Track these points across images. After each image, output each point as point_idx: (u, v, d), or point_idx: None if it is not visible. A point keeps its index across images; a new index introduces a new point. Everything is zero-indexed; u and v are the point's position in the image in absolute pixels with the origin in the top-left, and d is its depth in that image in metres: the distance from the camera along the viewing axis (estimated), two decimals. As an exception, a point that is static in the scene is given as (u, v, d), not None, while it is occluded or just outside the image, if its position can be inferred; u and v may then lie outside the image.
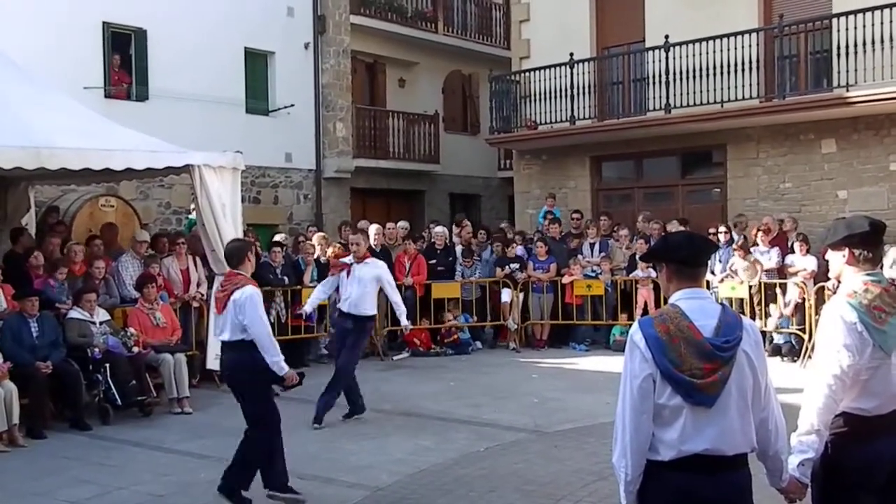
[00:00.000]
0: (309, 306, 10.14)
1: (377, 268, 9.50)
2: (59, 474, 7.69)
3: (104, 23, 15.73)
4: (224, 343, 6.76)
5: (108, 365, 9.64)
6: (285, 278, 13.30)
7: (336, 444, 8.55)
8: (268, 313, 12.58)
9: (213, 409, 10.29)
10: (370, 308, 9.48)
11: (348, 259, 9.60)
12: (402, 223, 15.95)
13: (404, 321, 9.94)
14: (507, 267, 15.00)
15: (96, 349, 9.68)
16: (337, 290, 9.91)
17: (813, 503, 3.80)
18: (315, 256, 14.03)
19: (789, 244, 13.66)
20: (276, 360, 6.56)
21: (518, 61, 19.59)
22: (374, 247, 14.11)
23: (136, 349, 10.00)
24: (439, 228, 15.89)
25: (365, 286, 9.33)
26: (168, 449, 8.56)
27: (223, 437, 8.56)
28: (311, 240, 14.57)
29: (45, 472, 7.76)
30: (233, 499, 6.54)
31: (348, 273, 9.40)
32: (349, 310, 9.38)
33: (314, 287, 13.32)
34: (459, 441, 8.59)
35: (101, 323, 10.06)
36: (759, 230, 13.74)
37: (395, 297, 9.76)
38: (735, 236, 14.01)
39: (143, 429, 9.38)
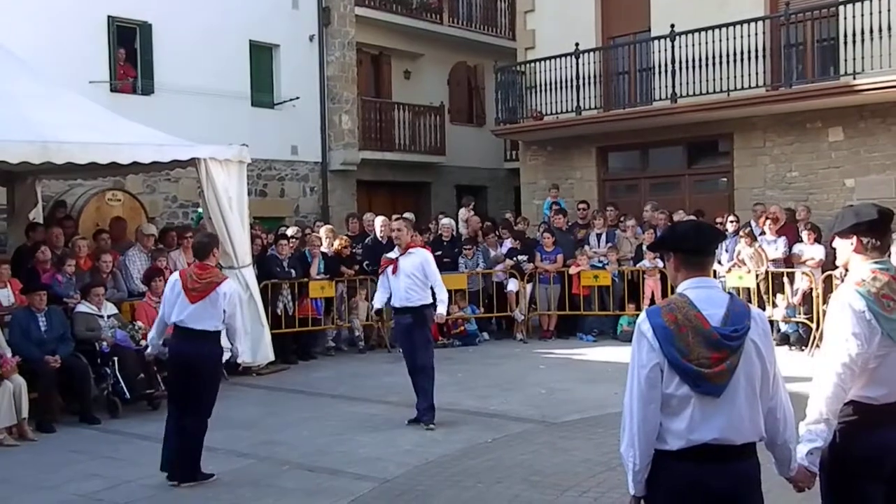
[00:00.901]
0: (378, 303, 9.75)
1: (420, 256, 9.07)
2: (67, 468, 7.72)
3: (109, 17, 15.76)
4: (198, 332, 7.13)
5: (116, 358, 9.67)
6: (292, 271, 13.30)
7: (344, 437, 8.56)
8: (275, 306, 12.82)
9: (220, 402, 10.13)
10: (424, 297, 9.03)
11: (393, 254, 9.25)
12: (407, 214, 15.89)
13: (441, 309, 9.29)
14: (514, 258, 14.98)
15: (104, 343, 9.72)
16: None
17: (821, 492, 3.79)
18: (322, 249, 14.00)
19: (799, 232, 13.59)
20: (245, 348, 7.05)
21: (523, 52, 19.55)
22: (380, 238, 14.16)
23: (143, 342, 9.99)
24: (446, 220, 15.87)
25: (411, 277, 8.94)
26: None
27: (230, 429, 8.60)
28: (317, 232, 14.57)
29: (54, 466, 7.79)
30: (198, 478, 7.11)
31: (394, 269, 9.03)
32: (403, 303, 9.00)
33: (321, 280, 13.46)
34: (467, 432, 8.59)
35: (108, 316, 10.08)
36: (766, 218, 13.67)
37: (438, 289, 9.20)
38: (753, 224, 13.98)
39: (152, 422, 9.36)
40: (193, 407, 7.14)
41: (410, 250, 9.07)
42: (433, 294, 9.19)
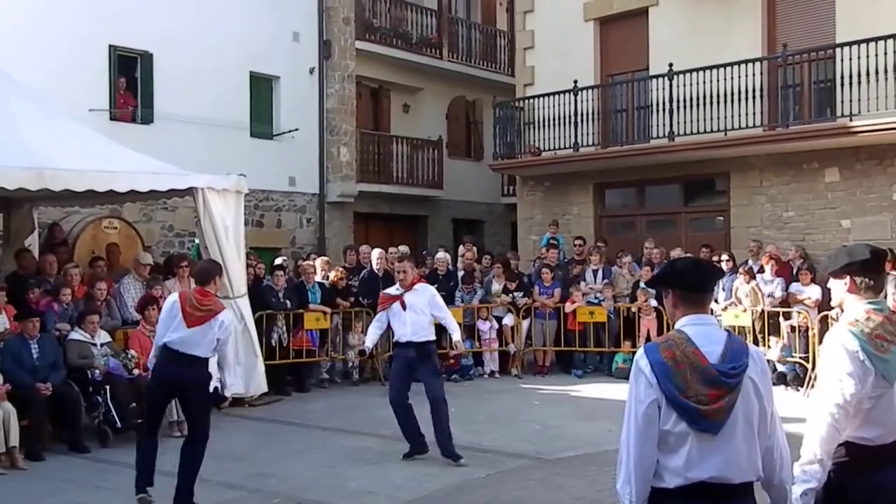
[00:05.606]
0: (369, 342, 9.55)
1: (427, 292, 9.18)
2: (56, 497, 7.64)
3: (111, 46, 15.82)
4: (188, 357, 7.03)
5: (108, 387, 9.61)
6: (287, 302, 13.26)
7: (335, 470, 8.49)
8: (269, 336, 12.77)
9: (211, 432, 10.20)
10: (430, 333, 9.14)
11: (395, 290, 9.23)
12: (402, 247, 15.90)
13: (456, 337, 9.37)
14: (510, 294, 14.96)
15: (97, 371, 9.66)
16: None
17: (816, 533, 3.75)
18: (318, 279, 13.98)
19: (794, 272, 13.59)
20: (233, 381, 6.88)
21: (522, 88, 19.67)
22: (376, 271, 14.14)
23: (136, 371, 9.96)
24: (441, 254, 15.84)
25: (420, 312, 8.99)
26: (166, 472, 8.40)
27: (221, 460, 8.52)
28: (311, 262, 14.55)
29: (42, 495, 7.71)
30: None
31: (403, 305, 9.01)
32: (411, 338, 8.97)
33: (317, 310, 13.41)
34: (460, 467, 8.52)
35: (101, 345, 10.02)
36: (770, 258, 13.67)
37: (448, 321, 9.33)
38: (751, 262, 13.99)
39: (143, 452, 9.31)
40: (190, 434, 7.11)
41: (415, 287, 9.10)
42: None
